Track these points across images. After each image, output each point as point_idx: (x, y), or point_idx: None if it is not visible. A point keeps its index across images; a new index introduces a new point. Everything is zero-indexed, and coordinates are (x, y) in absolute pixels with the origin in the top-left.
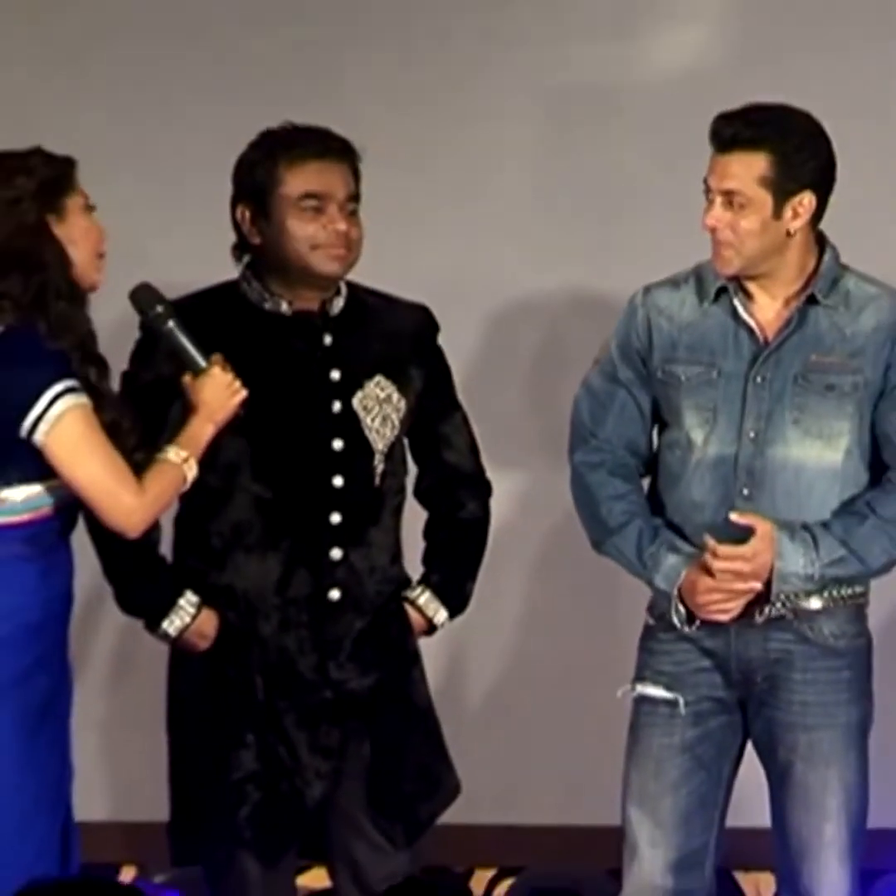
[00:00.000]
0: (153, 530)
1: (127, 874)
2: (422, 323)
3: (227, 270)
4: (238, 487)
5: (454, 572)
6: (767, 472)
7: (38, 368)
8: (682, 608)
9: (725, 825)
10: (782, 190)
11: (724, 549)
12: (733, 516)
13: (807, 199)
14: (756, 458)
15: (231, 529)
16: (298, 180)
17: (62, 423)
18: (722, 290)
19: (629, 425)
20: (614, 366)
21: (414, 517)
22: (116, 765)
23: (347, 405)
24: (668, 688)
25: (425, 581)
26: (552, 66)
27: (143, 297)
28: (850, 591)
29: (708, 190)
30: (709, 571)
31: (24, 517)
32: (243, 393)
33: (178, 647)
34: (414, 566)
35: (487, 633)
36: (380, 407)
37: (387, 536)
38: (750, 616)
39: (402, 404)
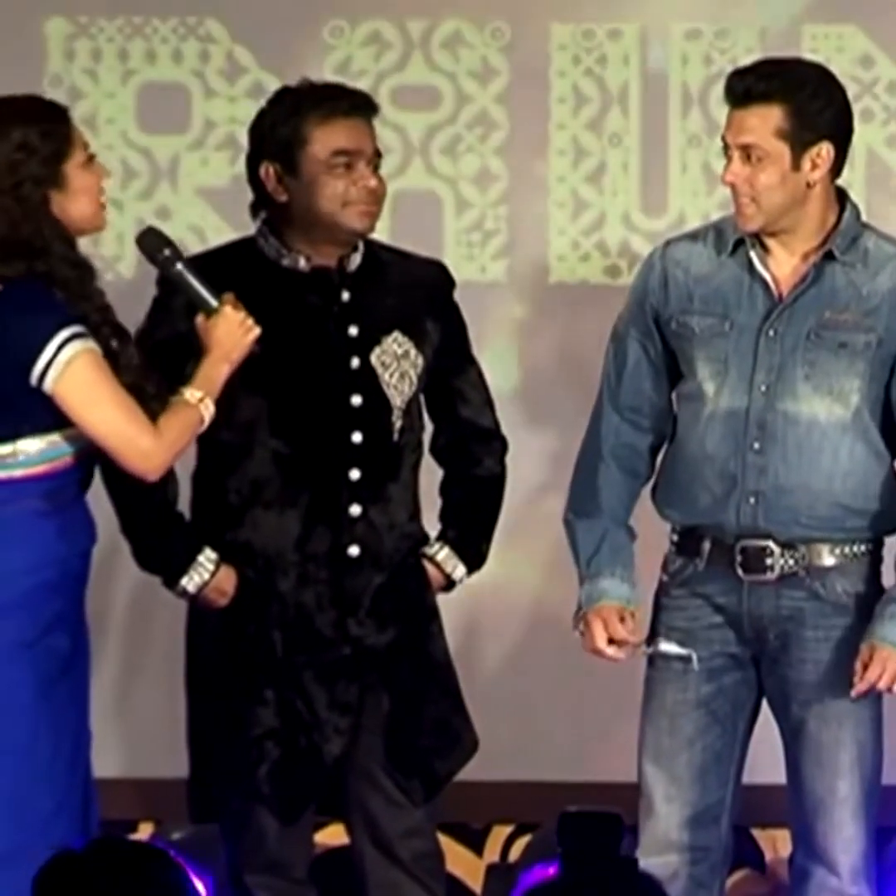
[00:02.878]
0: (171, 486)
1: (144, 831)
2: (438, 278)
3: None
4: (256, 443)
5: (471, 528)
6: (778, 425)
7: (45, 316)
8: (582, 627)
9: (742, 781)
10: (799, 141)
11: (865, 684)
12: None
13: (824, 150)
14: (767, 412)
15: (249, 486)
16: (329, 138)
17: (71, 368)
18: (739, 243)
19: (644, 382)
20: (629, 323)
21: (431, 475)
22: (133, 721)
23: (365, 361)
24: (681, 644)
25: (443, 537)
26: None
27: (150, 241)
28: (862, 548)
29: (726, 146)
30: (621, 618)
31: (41, 469)
32: (257, 330)
33: (197, 604)
34: (431, 524)
35: (505, 589)
36: (397, 363)
37: (405, 492)
38: (762, 571)
39: (420, 360)
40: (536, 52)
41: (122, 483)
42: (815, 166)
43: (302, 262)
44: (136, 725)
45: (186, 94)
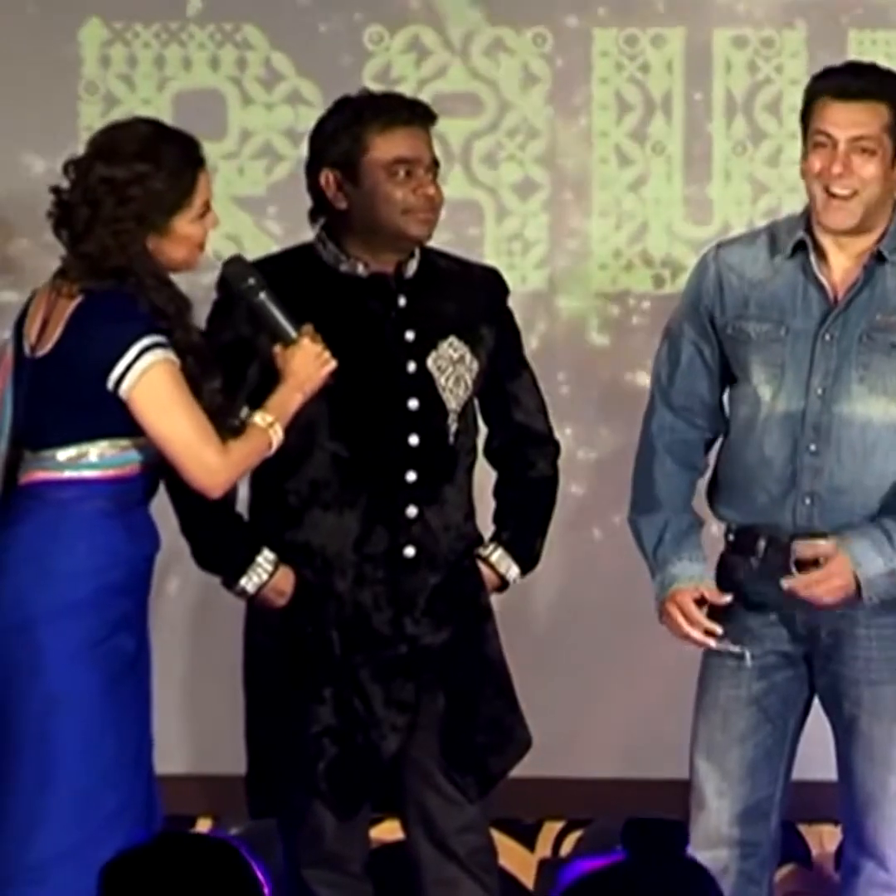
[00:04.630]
0: (230, 488)
1: (203, 826)
2: (493, 285)
3: None
4: (316, 446)
5: (524, 529)
6: (834, 428)
7: (128, 323)
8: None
9: (791, 778)
10: (887, 132)
11: (799, 579)
12: (800, 546)
13: None
14: (823, 415)
15: (308, 487)
16: (389, 147)
17: (148, 376)
18: (797, 246)
19: (697, 382)
20: (683, 323)
21: (485, 477)
22: (195, 718)
23: (422, 365)
24: (735, 642)
25: (497, 538)
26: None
27: (235, 270)
28: None
29: (823, 139)
30: (700, 601)
31: (110, 473)
32: (333, 363)
33: (256, 604)
34: (485, 525)
35: (555, 587)
36: (453, 367)
37: (460, 494)
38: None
39: (475, 365)
40: (578, 58)
41: (181, 486)
42: None
43: (360, 268)
44: (198, 722)
45: (223, 102)
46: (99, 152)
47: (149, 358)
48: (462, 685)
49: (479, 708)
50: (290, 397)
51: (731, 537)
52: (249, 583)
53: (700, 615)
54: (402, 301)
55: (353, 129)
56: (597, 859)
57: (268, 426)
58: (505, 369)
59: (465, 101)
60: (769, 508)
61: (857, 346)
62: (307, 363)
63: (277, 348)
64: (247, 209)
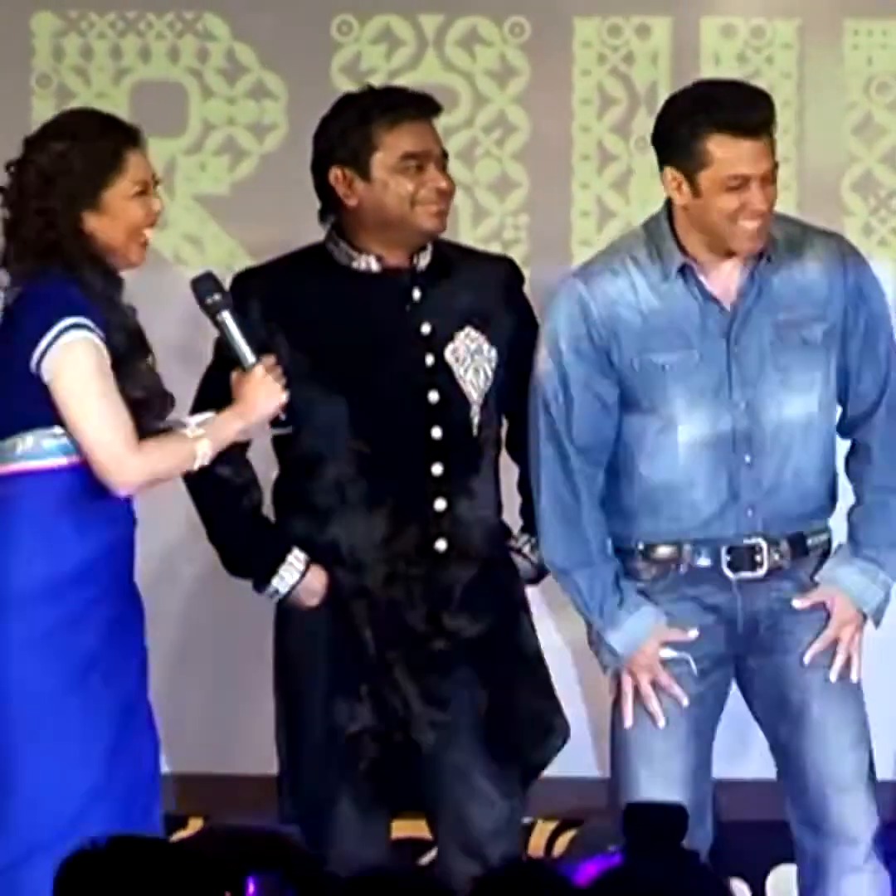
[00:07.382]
0: (255, 492)
1: (193, 826)
2: (507, 274)
3: None
4: (338, 446)
5: None
6: (767, 435)
7: (56, 304)
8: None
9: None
10: (774, 156)
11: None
12: (796, 604)
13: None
14: (753, 426)
15: (334, 487)
16: (399, 142)
17: (68, 356)
18: (680, 269)
19: (598, 421)
20: (565, 362)
21: (509, 472)
22: (185, 718)
23: (440, 357)
24: (674, 647)
25: (528, 530)
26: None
27: (203, 286)
28: (829, 536)
29: (736, 182)
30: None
31: (63, 462)
32: (283, 398)
33: (287, 605)
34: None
35: (541, 588)
36: (471, 358)
37: (487, 486)
38: (752, 569)
39: (493, 354)
40: (558, 49)
41: (207, 492)
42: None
43: (373, 264)
44: (190, 722)
45: (183, 95)
46: (27, 143)
47: (68, 337)
48: (501, 679)
49: (519, 701)
50: (228, 423)
51: (640, 546)
52: (281, 583)
53: (671, 680)
54: (416, 294)
55: (361, 128)
56: (597, 862)
57: (195, 438)
58: (524, 361)
59: (438, 94)
60: (703, 526)
61: (770, 350)
62: (255, 394)
63: (235, 372)
64: (208, 207)
